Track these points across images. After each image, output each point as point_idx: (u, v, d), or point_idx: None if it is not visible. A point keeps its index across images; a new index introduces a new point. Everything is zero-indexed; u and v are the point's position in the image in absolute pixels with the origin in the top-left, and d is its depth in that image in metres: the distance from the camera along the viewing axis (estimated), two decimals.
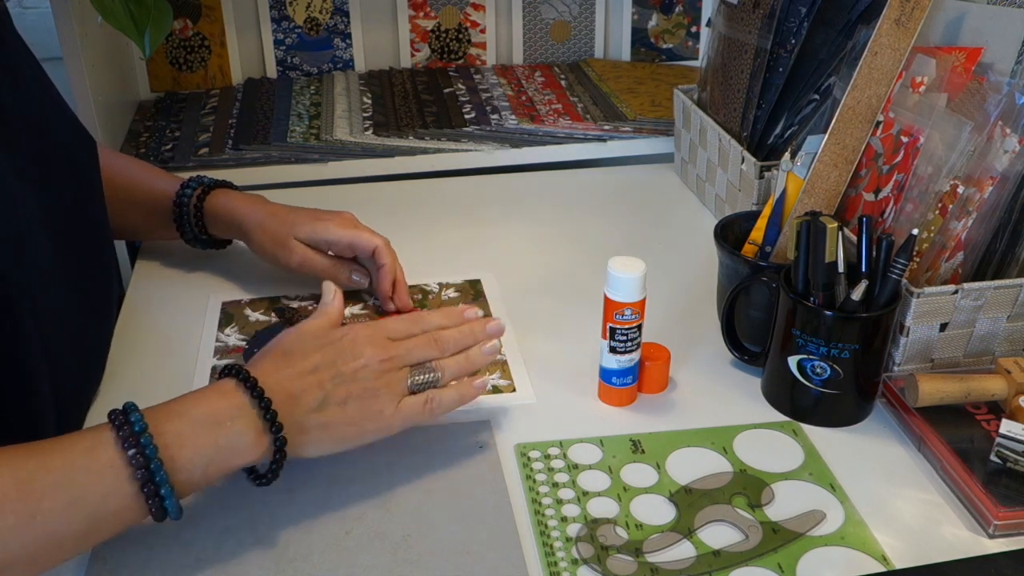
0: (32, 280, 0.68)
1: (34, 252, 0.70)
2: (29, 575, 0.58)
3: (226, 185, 0.98)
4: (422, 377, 0.71)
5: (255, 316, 0.93)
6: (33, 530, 0.56)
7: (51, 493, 0.57)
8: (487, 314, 0.94)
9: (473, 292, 0.98)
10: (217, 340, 0.89)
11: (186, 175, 0.97)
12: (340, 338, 0.70)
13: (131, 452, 0.59)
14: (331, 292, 0.76)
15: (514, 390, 0.83)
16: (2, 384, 0.67)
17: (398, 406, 0.70)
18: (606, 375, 0.80)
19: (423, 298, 0.97)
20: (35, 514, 0.56)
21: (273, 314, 0.93)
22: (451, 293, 0.98)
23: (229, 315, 0.93)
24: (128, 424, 0.60)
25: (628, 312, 0.76)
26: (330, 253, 0.93)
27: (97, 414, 0.80)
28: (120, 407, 0.62)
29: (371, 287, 0.94)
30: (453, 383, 0.74)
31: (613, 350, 0.78)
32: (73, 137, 0.82)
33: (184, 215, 0.96)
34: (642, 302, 0.76)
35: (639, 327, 0.78)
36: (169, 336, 0.90)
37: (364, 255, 0.92)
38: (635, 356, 0.79)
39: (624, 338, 0.78)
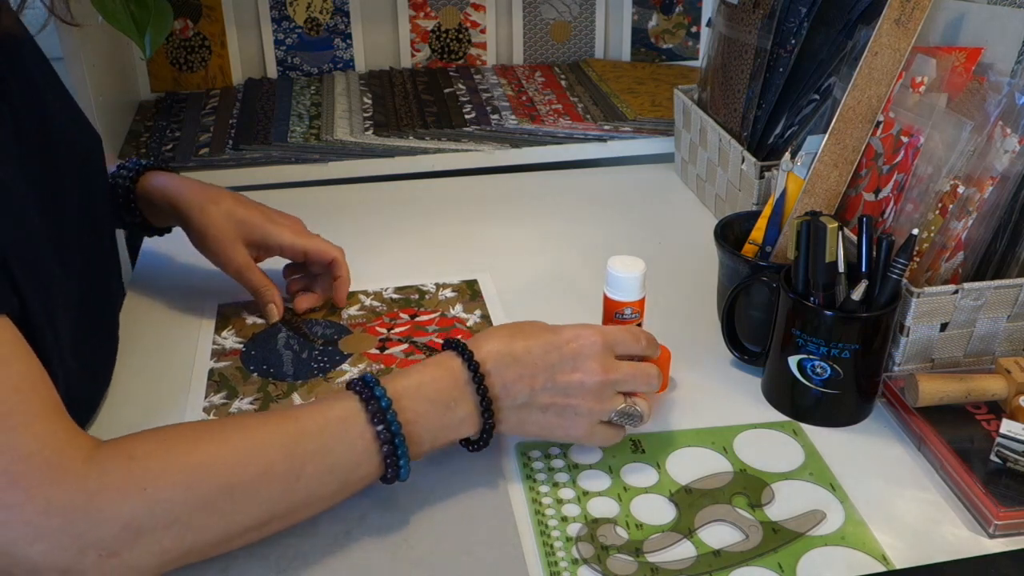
0: (48, 294, 0.68)
1: (47, 266, 0.69)
2: (282, 527, 0.64)
3: (164, 168, 0.95)
4: (627, 416, 0.72)
5: (252, 319, 0.93)
6: (296, 492, 0.62)
7: (312, 459, 0.63)
8: (484, 315, 0.94)
9: (470, 292, 0.98)
10: (214, 343, 0.89)
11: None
12: (567, 342, 0.70)
13: (379, 428, 0.64)
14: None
15: None
16: None
17: (591, 430, 0.71)
18: None
19: (420, 298, 0.97)
20: (300, 477, 0.62)
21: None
22: (448, 293, 0.98)
23: (226, 317, 0.93)
24: (375, 399, 0.65)
25: (628, 311, 0.76)
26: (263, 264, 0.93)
27: (99, 420, 0.80)
28: (360, 379, 0.67)
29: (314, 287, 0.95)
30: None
31: None
32: (79, 134, 0.81)
33: (120, 199, 0.92)
34: (641, 301, 0.76)
35: (638, 327, 0.78)
36: (166, 339, 0.90)
37: (319, 264, 0.93)
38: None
39: None
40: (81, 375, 0.74)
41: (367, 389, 0.65)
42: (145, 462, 0.58)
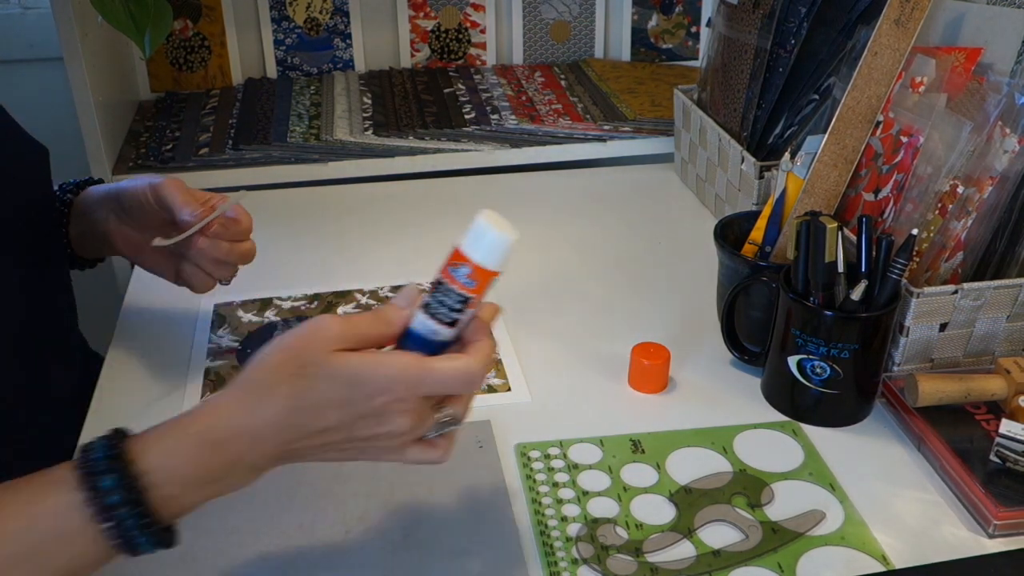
0: None
1: None
2: None
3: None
4: (442, 427, 0.59)
5: (247, 317, 0.93)
6: None
7: (17, 565, 0.51)
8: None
9: None
10: (210, 342, 0.90)
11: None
12: (369, 397, 0.55)
13: (107, 525, 0.52)
14: None
15: (509, 389, 0.83)
16: None
17: (403, 454, 0.58)
18: (407, 339, 0.60)
19: None
20: None
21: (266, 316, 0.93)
22: None
23: (222, 316, 0.94)
24: (100, 493, 0.52)
25: (463, 274, 0.58)
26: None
27: (96, 421, 0.80)
28: (89, 455, 0.53)
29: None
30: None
31: (427, 307, 0.60)
32: (16, 152, 0.77)
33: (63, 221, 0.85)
34: (488, 275, 0.58)
35: (465, 301, 0.59)
36: (162, 338, 0.90)
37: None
38: (443, 333, 0.59)
39: (444, 304, 0.59)
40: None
41: (90, 479, 0.51)
42: None
